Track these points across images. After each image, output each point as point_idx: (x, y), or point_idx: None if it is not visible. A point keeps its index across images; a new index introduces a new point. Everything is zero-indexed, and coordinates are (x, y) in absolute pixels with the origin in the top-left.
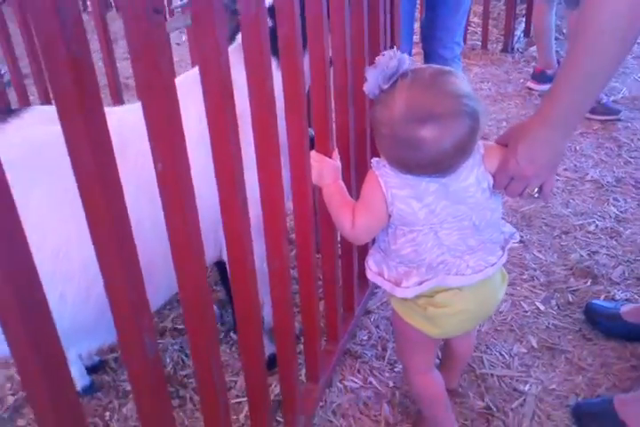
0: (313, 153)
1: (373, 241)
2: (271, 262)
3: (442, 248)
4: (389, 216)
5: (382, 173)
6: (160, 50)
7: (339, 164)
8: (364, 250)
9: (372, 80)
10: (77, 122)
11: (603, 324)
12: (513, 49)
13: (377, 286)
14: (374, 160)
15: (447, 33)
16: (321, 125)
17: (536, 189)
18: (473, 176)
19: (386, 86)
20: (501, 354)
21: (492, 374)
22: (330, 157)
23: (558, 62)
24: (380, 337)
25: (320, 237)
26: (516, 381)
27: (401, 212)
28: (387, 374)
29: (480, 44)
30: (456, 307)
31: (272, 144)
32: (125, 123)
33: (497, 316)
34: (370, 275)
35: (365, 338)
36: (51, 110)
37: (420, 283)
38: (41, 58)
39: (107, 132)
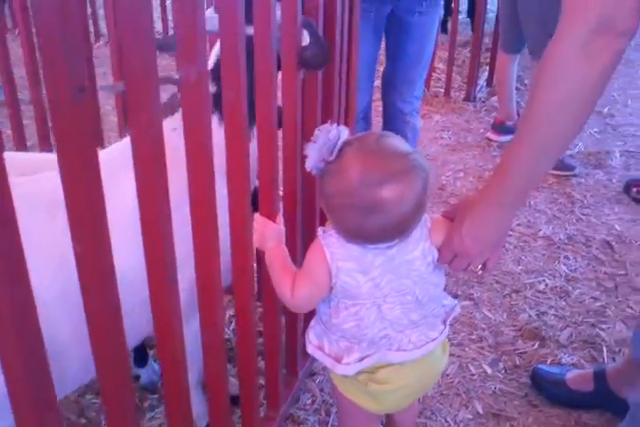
0: (256, 216)
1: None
2: (206, 330)
3: (384, 323)
4: (331, 288)
5: (328, 242)
6: (83, 129)
7: (282, 228)
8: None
9: (315, 155)
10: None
11: (548, 390)
12: (475, 98)
13: None
14: (320, 229)
15: (408, 86)
16: (266, 188)
17: (480, 266)
18: (419, 250)
19: (331, 158)
20: (446, 420)
21: None
22: (274, 221)
23: (518, 114)
24: (324, 401)
25: (263, 296)
26: None
27: (345, 284)
28: None
29: (443, 91)
30: (398, 383)
31: (210, 212)
32: None
33: (444, 379)
34: (310, 349)
35: (309, 402)
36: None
37: (362, 359)
38: None
39: None
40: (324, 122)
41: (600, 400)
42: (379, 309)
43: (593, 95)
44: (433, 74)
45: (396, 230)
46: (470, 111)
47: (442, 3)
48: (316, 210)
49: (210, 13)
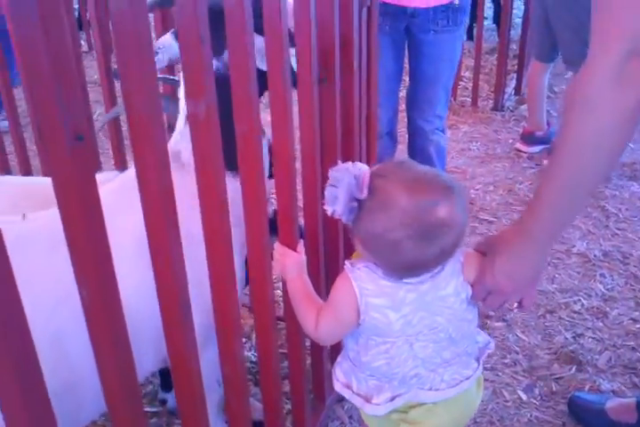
0: (277, 245)
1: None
2: (224, 360)
3: (416, 361)
4: (359, 325)
5: (357, 277)
6: (84, 179)
7: (304, 257)
8: None
9: (345, 196)
10: None
11: (587, 420)
12: (503, 107)
13: None
14: (348, 263)
15: (427, 105)
16: (285, 215)
17: (515, 304)
18: (452, 286)
19: (364, 195)
20: None
21: None
22: (294, 250)
23: (548, 124)
24: None
25: (286, 318)
26: None
27: (375, 321)
28: None
29: (470, 100)
30: (431, 423)
31: (225, 247)
32: None
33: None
34: (337, 386)
35: None
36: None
37: (393, 398)
38: None
39: None
40: (344, 141)
41: None
42: (410, 347)
43: (630, 124)
44: (460, 83)
45: (450, 252)
46: (498, 121)
47: (465, 20)
48: (340, 238)
49: (169, 40)
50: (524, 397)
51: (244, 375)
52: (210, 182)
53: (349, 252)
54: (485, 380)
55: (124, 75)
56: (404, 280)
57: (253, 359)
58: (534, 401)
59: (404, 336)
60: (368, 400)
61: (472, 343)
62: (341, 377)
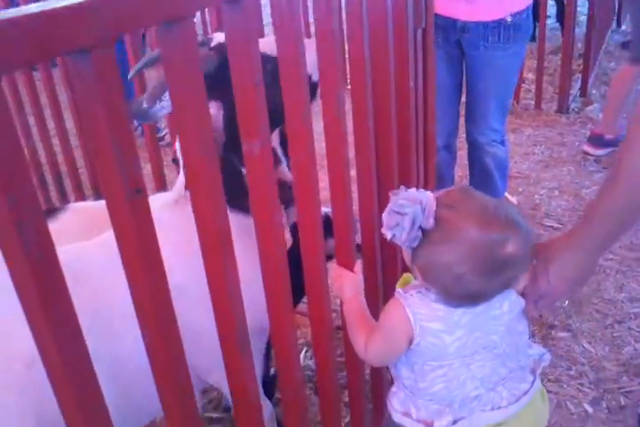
0: (334, 266)
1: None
2: (283, 370)
3: (475, 382)
4: (411, 349)
5: (410, 303)
6: (143, 230)
7: (361, 277)
8: None
9: (408, 226)
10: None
11: None
12: (568, 109)
13: None
14: (399, 291)
15: (482, 119)
16: (342, 235)
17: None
18: (506, 304)
19: (429, 225)
20: None
21: None
22: (351, 270)
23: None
24: None
25: (344, 329)
26: None
27: (431, 346)
28: None
29: (533, 103)
30: None
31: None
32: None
33: None
34: (396, 417)
35: None
36: (87, 207)
37: (455, 422)
38: None
39: None
40: (400, 156)
41: None
42: (468, 368)
43: None
44: (522, 85)
45: (512, 284)
46: (563, 123)
47: (522, 37)
48: (397, 255)
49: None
50: (590, 410)
51: (302, 385)
52: (263, 215)
53: (406, 270)
54: (550, 392)
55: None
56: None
57: (314, 368)
58: (601, 415)
59: (460, 358)
60: (430, 425)
61: (525, 357)
62: (399, 407)
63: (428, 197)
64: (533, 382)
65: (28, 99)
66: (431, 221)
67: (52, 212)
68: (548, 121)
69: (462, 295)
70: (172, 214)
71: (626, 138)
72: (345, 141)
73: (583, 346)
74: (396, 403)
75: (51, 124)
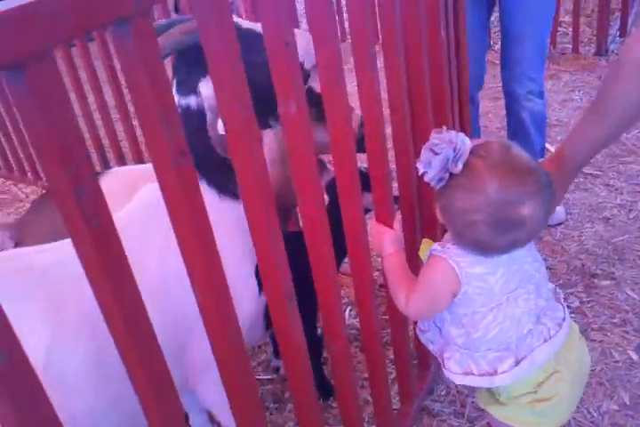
0: (372, 223)
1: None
2: (328, 328)
3: (524, 317)
4: (458, 302)
5: (450, 254)
6: (190, 190)
7: (400, 233)
8: None
9: (438, 166)
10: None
11: None
12: (607, 51)
13: None
14: (436, 246)
15: (517, 65)
16: (380, 192)
17: None
18: None
19: (457, 170)
20: (589, 412)
21: None
22: (391, 227)
23: None
24: (458, 392)
25: (386, 287)
26: None
27: (478, 290)
28: None
29: (571, 47)
30: (562, 393)
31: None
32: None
33: None
34: (457, 379)
35: (443, 393)
36: (127, 170)
37: (517, 363)
38: None
39: None
40: (434, 108)
41: None
42: (515, 304)
43: None
44: (559, 29)
45: (526, 242)
46: (603, 66)
47: None
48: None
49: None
50: (634, 357)
51: (348, 343)
52: (304, 174)
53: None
54: (593, 340)
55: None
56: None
57: (359, 326)
58: None
59: (506, 295)
60: (495, 373)
61: (547, 285)
62: (458, 369)
63: (464, 142)
64: (564, 310)
65: (67, 74)
66: (460, 165)
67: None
68: (587, 65)
69: (470, 242)
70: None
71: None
72: (378, 97)
73: (627, 293)
74: (453, 366)
75: (91, 99)
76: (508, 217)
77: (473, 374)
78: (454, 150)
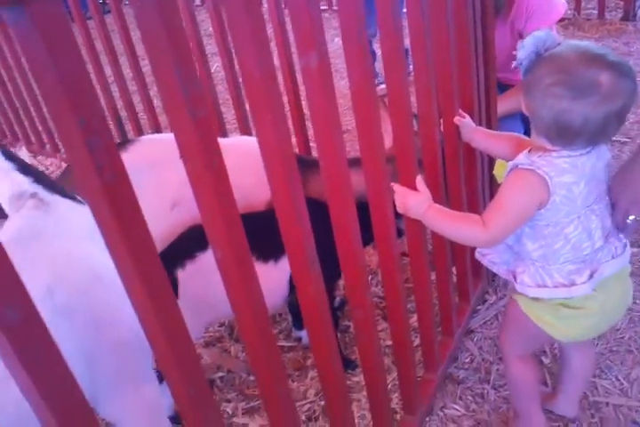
0: (396, 187)
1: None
2: (352, 296)
3: (597, 232)
4: (545, 213)
5: (538, 165)
6: (209, 146)
7: (426, 193)
8: (460, 262)
9: (531, 47)
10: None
11: None
12: (635, 16)
13: (480, 304)
14: (523, 159)
15: None
16: (404, 154)
17: None
18: (602, 156)
19: (545, 52)
20: (618, 379)
21: (607, 403)
22: (415, 188)
23: None
24: (483, 359)
25: (410, 255)
26: (636, 411)
27: (565, 200)
28: (491, 400)
29: (596, 12)
30: (592, 309)
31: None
32: None
33: (613, 334)
34: (532, 292)
35: (467, 361)
36: (158, 138)
37: (591, 275)
38: None
39: None
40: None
41: None
42: (591, 218)
43: None
44: None
45: (596, 131)
46: (630, 32)
47: None
48: (460, 173)
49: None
50: None
51: (372, 310)
52: (327, 132)
53: (471, 177)
54: None
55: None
56: (571, 149)
57: (381, 294)
58: None
59: (585, 208)
60: (573, 284)
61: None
62: (531, 282)
63: (555, 35)
64: (625, 241)
65: (84, 47)
66: (550, 48)
67: (123, 143)
68: (613, 30)
69: (552, 123)
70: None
71: None
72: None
73: None
74: (527, 279)
75: (108, 71)
76: (585, 79)
77: (548, 286)
78: (548, 40)
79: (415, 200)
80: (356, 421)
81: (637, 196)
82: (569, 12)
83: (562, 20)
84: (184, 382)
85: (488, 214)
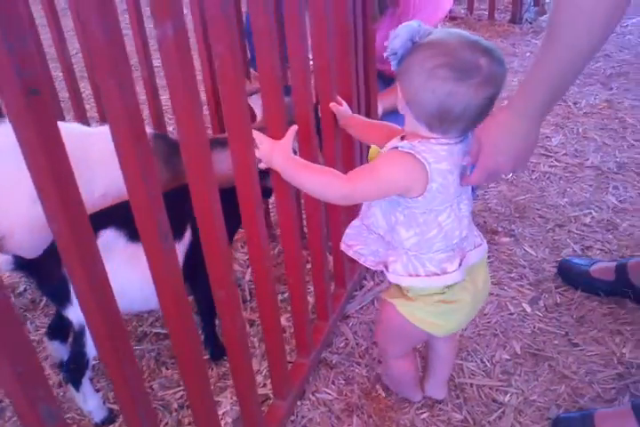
0: (255, 133)
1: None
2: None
3: (464, 221)
4: (422, 200)
5: (419, 151)
6: (43, 129)
7: (290, 143)
8: (336, 243)
9: (406, 35)
10: None
11: (571, 278)
12: (522, 19)
13: (357, 289)
14: (403, 143)
15: None
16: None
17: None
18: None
19: (420, 39)
20: (482, 361)
21: (471, 384)
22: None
23: None
24: (357, 344)
25: (281, 237)
26: (496, 391)
27: (441, 188)
28: (363, 384)
29: (487, 13)
30: (464, 300)
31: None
32: None
33: (481, 319)
34: (404, 281)
35: (342, 345)
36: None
37: (460, 263)
38: None
39: None
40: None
41: (618, 289)
42: (460, 206)
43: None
44: None
45: (474, 117)
46: (517, 34)
47: None
48: (337, 157)
49: None
50: (528, 309)
51: (234, 290)
52: (182, 103)
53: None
54: (491, 294)
55: None
56: (445, 137)
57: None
58: (538, 313)
59: (456, 197)
60: (444, 273)
61: None
62: (403, 271)
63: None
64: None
65: None
66: (423, 38)
67: None
68: (501, 31)
69: (433, 107)
70: None
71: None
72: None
73: (525, 250)
74: (399, 269)
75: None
76: (467, 61)
77: (419, 275)
78: (422, 27)
79: (277, 146)
80: (229, 408)
81: (500, 164)
82: (462, 11)
83: (454, 18)
84: None
85: (357, 173)
